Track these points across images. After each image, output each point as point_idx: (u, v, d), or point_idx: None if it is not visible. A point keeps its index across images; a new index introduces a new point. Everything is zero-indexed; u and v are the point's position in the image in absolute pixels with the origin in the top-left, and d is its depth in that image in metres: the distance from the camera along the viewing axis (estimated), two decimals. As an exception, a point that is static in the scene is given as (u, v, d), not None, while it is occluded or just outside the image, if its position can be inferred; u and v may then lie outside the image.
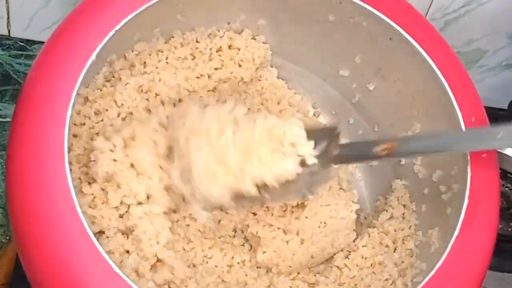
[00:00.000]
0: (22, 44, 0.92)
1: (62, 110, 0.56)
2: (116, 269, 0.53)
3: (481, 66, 0.99)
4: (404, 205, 0.73)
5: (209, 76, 0.73)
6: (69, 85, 0.57)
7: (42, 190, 0.54)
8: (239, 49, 0.74)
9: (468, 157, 0.64)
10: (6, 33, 0.91)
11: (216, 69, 0.73)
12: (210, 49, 0.73)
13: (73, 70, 0.58)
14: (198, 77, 0.73)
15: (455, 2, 0.90)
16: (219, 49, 0.74)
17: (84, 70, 0.58)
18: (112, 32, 0.60)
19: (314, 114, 0.81)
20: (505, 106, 0.94)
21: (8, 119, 0.86)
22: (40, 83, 0.58)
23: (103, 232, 0.62)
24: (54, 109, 0.56)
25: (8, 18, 0.89)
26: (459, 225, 0.61)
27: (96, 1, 0.62)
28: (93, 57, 0.58)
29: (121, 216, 0.63)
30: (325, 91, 0.80)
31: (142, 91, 0.69)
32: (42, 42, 0.89)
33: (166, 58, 0.71)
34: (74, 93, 0.57)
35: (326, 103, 0.81)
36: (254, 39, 0.75)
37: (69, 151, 0.56)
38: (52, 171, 0.54)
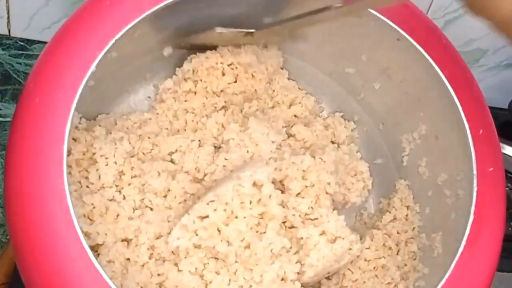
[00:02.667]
0: (22, 43, 0.91)
1: (61, 124, 0.55)
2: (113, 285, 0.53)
3: (481, 66, 0.99)
4: (407, 207, 0.73)
5: (222, 91, 0.73)
6: (68, 99, 0.56)
7: (41, 205, 0.54)
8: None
9: (474, 170, 0.64)
10: (6, 32, 0.91)
11: (229, 83, 0.74)
12: (222, 63, 0.73)
13: (72, 82, 0.57)
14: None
15: (455, 2, 0.90)
16: (231, 64, 0.74)
17: (84, 82, 0.57)
18: (112, 41, 0.59)
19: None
20: (505, 106, 0.94)
21: (8, 119, 0.85)
22: (38, 95, 0.57)
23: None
24: (52, 124, 0.56)
25: (8, 17, 0.89)
26: (463, 242, 0.61)
27: (95, 7, 0.61)
28: (92, 67, 0.58)
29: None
30: (330, 87, 0.80)
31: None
32: (42, 42, 0.90)
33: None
34: (73, 106, 0.56)
35: (330, 99, 0.81)
36: (266, 47, 0.75)
37: (68, 155, 0.56)
38: (51, 186, 0.54)
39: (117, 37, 0.59)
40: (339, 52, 0.75)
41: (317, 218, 0.67)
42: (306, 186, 0.68)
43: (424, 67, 0.67)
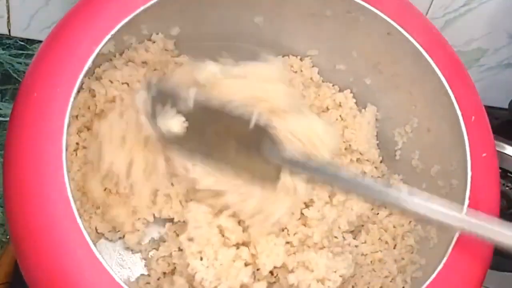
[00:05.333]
0: (22, 43, 0.92)
1: (59, 119, 0.55)
2: (118, 279, 0.53)
3: (481, 66, 0.99)
4: (403, 200, 0.73)
5: None
6: (65, 93, 0.56)
7: (40, 200, 0.53)
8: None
9: (468, 157, 0.63)
10: (6, 32, 0.91)
11: None
12: None
13: (69, 77, 0.57)
14: None
15: (455, 1, 0.90)
16: None
17: (81, 77, 0.57)
18: (108, 36, 0.59)
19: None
20: (506, 106, 0.94)
21: (8, 119, 0.85)
22: (36, 90, 0.57)
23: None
24: (51, 118, 0.55)
25: (8, 17, 0.89)
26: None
27: (92, 3, 0.62)
28: (89, 63, 0.58)
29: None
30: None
31: None
32: (43, 41, 0.90)
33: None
34: (71, 100, 0.56)
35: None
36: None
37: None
38: (51, 179, 0.54)
39: (113, 31, 0.59)
40: (329, 49, 0.75)
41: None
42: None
43: (415, 59, 0.67)
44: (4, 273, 0.74)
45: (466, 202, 0.62)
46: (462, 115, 0.65)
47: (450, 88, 0.65)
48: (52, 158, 0.54)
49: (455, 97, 0.65)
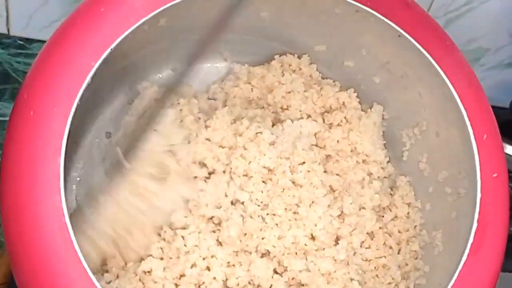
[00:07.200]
0: (21, 42, 0.91)
1: (56, 140, 0.54)
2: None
3: (483, 65, 0.99)
4: (408, 204, 0.73)
5: None
6: (63, 112, 0.55)
7: (37, 223, 0.53)
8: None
9: (478, 177, 0.63)
10: (5, 31, 0.91)
11: None
12: None
13: (67, 95, 0.55)
14: None
15: (456, 1, 0.90)
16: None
17: (79, 95, 0.55)
18: (108, 51, 0.57)
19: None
20: (507, 105, 0.94)
21: (7, 118, 0.85)
22: (32, 108, 0.55)
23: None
24: (48, 139, 0.54)
25: (7, 16, 0.89)
26: (467, 251, 0.61)
27: (89, 14, 0.59)
28: (88, 79, 0.56)
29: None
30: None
31: None
32: (42, 41, 0.89)
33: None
34: (69, 120, 0.55)
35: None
36: None
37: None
38: (47, 200, 0.53)
39: (112, 46, 0.58)
40: (338, 46, 0.74)
41: None
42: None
43: (426, 67, 0.67)
44: (3, 273, 0.74)
45: (475, 224, 0.61)
46: (474, 133, 0.64)
47: (462, 104, 0.65)
48: (50, 178, 0.53)
49: (467, 114, 0.65)
